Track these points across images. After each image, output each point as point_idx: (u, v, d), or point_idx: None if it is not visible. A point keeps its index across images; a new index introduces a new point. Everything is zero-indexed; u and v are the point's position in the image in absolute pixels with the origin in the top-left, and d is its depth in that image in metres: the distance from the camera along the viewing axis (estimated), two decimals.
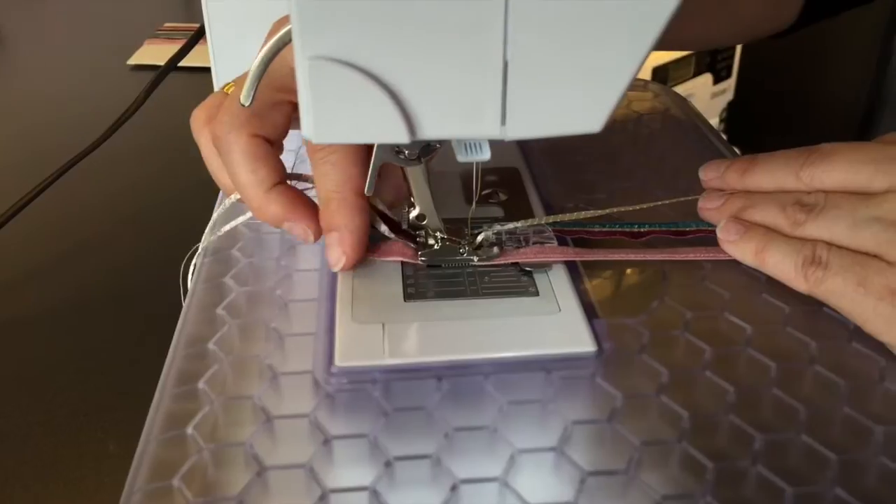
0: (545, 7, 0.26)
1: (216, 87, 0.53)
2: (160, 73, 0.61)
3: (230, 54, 0.51)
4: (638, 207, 0.42)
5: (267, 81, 0.34)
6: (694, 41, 0.63)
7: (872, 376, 0.33)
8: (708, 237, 0.40)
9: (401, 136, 0.27)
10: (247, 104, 0.35)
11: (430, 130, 0.28)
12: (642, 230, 0.41)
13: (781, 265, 0.36)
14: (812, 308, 0.36)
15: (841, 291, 0.34)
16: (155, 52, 0.89)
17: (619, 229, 0.41)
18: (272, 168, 0.36)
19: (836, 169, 0.36)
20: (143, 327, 0.47)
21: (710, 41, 0.65)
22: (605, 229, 0.41)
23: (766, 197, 0.38)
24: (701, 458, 0.29)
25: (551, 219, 0.40)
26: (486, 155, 0.32)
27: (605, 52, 0.27)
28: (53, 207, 0.57)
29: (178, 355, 0.34)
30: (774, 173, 0.38)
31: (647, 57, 0.27)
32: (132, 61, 0.88)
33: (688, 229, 0.41)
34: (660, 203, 0.42)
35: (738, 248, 0.38)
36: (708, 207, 0.40)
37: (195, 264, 0.41)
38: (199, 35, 0.58)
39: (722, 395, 0.32)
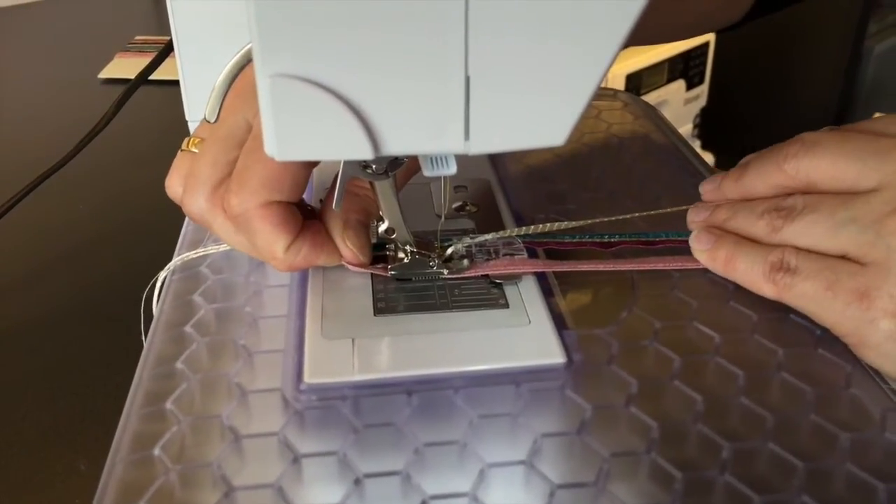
0: (506, 22, 0.26)
1: (185, 101, 0.52)
2: (130, 87, 0.60)
3: (198, 68, 0.51)
4: (612, 219, 0.42)
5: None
6: (645, 36, 0.63)
7: (839, 383, 0.33)
8: (678, 247, 0.40)
9: (364, 153, 0.27)
10: (212, 120, 0.35)
11: (394, 146, 0.28)
12: (612, 240, 0.41)
13: (749, 272, 0.36)
14: (779, 315, 0.36)
15: (810, 295, 0.34)
16: (126, 66, 0.88)
17: (589, 240, 0.41)
18: (295, 231, 0.35)
19: (823, 162, 0.36)
20: (114, 345, 0.47)
21: (663, 35, 0.65)
22: (574, 240, 0.41)
23: (745, 205, 0.38)
24: (670, 468, 0.29)
25: (521, 231, 0.40)
26: (452, 169, 0.32)
27: (566, 66, 0.27)
28: (23, 224, 0.57)
29: (145, 375, 0.34)
30: (761, 172, 0.38)
31: (607, 70, 0.27)
32: (103, 75, 0.87)
33: (657, 239, 0.41)
34: (636, 215, 0.42)
35: (709, 257, 0.38)
36: (695, 220, 0.40)
37: (163, 281, 0.41)
38: (169, 48, 0.58)
39: (690, 405, 0.32)
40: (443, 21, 0.25)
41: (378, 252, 0.39)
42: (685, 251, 0.40)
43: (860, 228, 0.34)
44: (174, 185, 0.38)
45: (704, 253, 0.38)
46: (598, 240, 0.41)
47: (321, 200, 0.38)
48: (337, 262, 0.37)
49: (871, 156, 0.35)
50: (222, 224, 0.36)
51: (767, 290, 0.36)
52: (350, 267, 0.38)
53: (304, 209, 0.38)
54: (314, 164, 0.36)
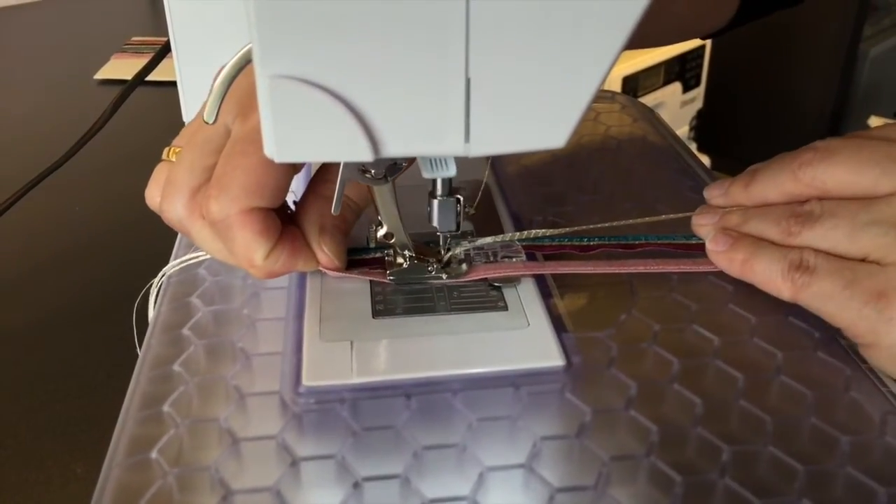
0: (506, 25, 0.26)
1: (182, 102, 0.52)
2: (127, 88, 0.60)
3: (196, 69, 0.51)
4: (613, 224, 0.41)
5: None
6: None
7: (838, 386, 0.33)
8: (658, 250, 0.40)
9: (364, 155, 0.27)
10: (210, 122, 0.34)
11: (394, 148, 0.28)
12: (591, 244, 0.41)
13: (768, 271, 0.36)
14: (778, 318, 0.36)
15: (828, 294, 0.34)
16: (122, 67, 0.88)
17: (569, 243, 0.41)
18: (274, 238, 0.35)
19: (840, 170, 0.36)
20: (110, 347, 0.47)
21: (645, 40, 0.65)
22: (553, 243, 0.41)
23: (760, 211, 0.38)
24: (669, 471, 0.29)
25: (515, 236, 0.40)
26: (451, 171, 0.32)
27: (566, 68, 0.27)
28: (19, 225, 0.57)
29: (142, 378, 0.34)
30: (774, 179, 0.38)
31: (608, 73, 0.27)
32: (99, 76, 0.87)
33: (637, 242, 0.41)
34: (637, 221, 0.42)
35: (726, 258, 0.37)
36: (702, 223, 0.40)
37: (159, 284, 0.40)
38: (166, 49, 0.58)
39: (690, 408, 0.32)
40: (443, 23, 0.25)
41: (377, 255, 0.39)
42: (665, 254, 0.40)
43: (881, 231, 0.34)
44: (153, 196, 0.37)
45: (721, 254, 0.37)
46: (577, 243, 0.41)
47: (295, 202, 0.38)
48: (314, 267, 0.37)
49: (889, 162, 0.35)
50: (200, 230, 0.35)
51: (784, 289, 0.35)
52: (328, 272, 0.37)
53: (283, 213, 0.37)
54: (296, 169, 0.36)
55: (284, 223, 0.36)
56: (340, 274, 0.37)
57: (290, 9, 0.25)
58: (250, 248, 0.34)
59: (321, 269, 0.37)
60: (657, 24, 0.58)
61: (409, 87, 0.26)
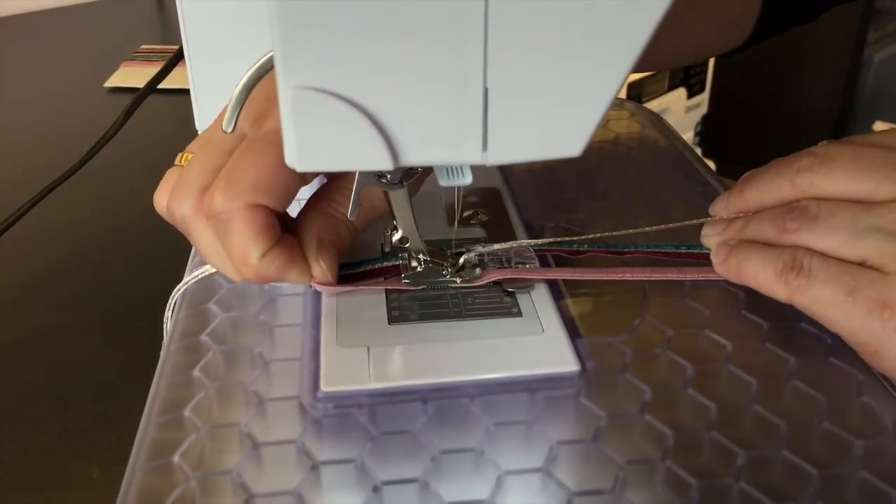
0: (524, 36, 0.26)
1: (195, 110, 0.53)
2: (140, 95, 0.61)
3: (209, 76, 0.51)
4: (626, 232, 0.42)
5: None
6: (648, 61, 0.62)
7: (850, 391, 0.33)
8: (646, 258, 0.41)
9: (384, 164, 0.28)
10: (229, 130, 0.35)
11: (413, 157, 0.28)
12: (581, 249, 0.41)
13: (761, 272, 0.35)
14: (790, 324, 0.37)
15: (829, 300, 0.33)
16: (132, 75, 0.89)
17: (559, 249, 0.41)
18: (273, 239, 0.34)
19: (840, 176, 0.35)
20: (124, 353, 0.47)
21: (665, 62, 0.65)
22: (543, 249, 0.41)
23: (760, 214, 0.38)
24: (685, 475, 0.29)
25: (524, 243, 0.40)
26: (467, 179, 0.32)
27: (583, 78, 0.27)
28: (32, 232, 0.57)
29: (162, 383, 0.34)
30: (769, 185, 0.37)
31: (623, 83, 0.28)
32: (109, 84, 0.87)
33: (626, 250, 0.41)
34: (648, 229, 0.42)
35: (725, 266, 0.37)
36: (710, 234, 0.39)
37: (174, 299, 0.41)
38: (178, 57, 0.58)
39: (704, 413, 0.32)
40: (462, 35, 0.26)
41: (391, 263, 0.39)
42: (655, 262, 0.40)
43: (884, 238, 0.33)
44: (161, 199, 0.37)
45: (721, 264, 0.37)
46: (567, 248, 0.41)
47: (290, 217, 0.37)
48: (306, 280, 0.36)
49: (889, 169, 0.35)
50: (203, 230, 0.35)
51: (779, 291, 0.35)
52: (318, 287, 0.37)
53: (283, 223, 0.36)
54: (306, 180, 0.35)
55: (283, 232, 0.35)
56: (331, 289, 0.37)
57: (313, 22, 0.25)
58: (247, 245, 0.33)
59: (312, 283, 0.36)
60: (674, 47, 0.57)
61: (429, 98, 0.27)
